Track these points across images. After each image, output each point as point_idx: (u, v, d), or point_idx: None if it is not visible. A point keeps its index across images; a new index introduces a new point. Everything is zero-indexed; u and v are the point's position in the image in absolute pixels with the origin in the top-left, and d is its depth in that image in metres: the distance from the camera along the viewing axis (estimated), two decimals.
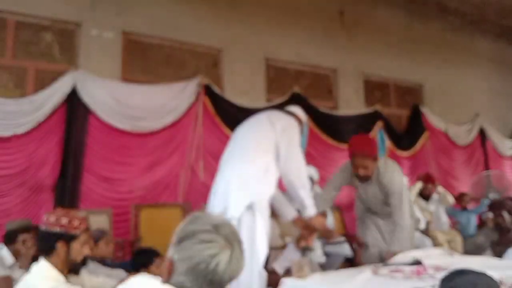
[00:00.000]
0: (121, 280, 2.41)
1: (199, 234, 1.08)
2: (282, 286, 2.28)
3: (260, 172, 2.50)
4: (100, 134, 4.26)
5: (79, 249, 1.97)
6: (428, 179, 5.33)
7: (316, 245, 2.97)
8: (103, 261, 2.94)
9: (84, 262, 2.06)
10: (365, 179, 3.02)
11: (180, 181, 4.58)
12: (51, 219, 1.97)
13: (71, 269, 1.99)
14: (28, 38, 4.21)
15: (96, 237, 3.03)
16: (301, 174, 2.62)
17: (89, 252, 2.05)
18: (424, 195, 5.32)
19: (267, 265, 3.51)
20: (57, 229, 1.94)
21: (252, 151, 2.54)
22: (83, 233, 1.99)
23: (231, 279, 1.08)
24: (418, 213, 5.08)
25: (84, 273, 2.17)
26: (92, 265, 2.68)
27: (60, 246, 1.92)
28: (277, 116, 2.73)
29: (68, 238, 1.94)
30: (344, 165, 3.27)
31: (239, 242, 1.10)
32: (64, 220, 1.96)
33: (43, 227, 1.99)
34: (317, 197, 3.12)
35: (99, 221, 3.84)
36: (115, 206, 4.09)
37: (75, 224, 1.97)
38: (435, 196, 5.45)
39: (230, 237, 1.09)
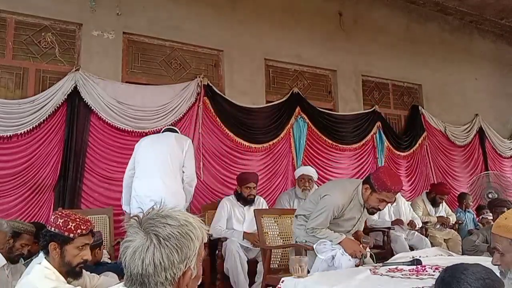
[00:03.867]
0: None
1: (128, 229, 1.10)
2: (282, 286, 2.29)
3: (181, 186, 3.49)
4: (101, 134, 4.28)
5: (73, 252, 1.92)
6: (443, 191, 5.45)
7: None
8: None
9: (82, 268, 2.01)
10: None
11: None
12: (52, 218, 1.96)
13: (69, 273, 1.94)
14: (29, 39, 4.22)
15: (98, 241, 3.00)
16: (194, 183, 3.64)
17: (89, 257, 2.01)
18: (434, 202, 5.43)
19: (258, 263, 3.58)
20: (52, 229, 1.93)
21: (173, 169, 3.45)
22: (79, 237, 1.94)
23: (138, 272, 1.04)
24: (414, 213, 5.14)
25: (84, 273, 2.16)
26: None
27: (52, 247, 1.90)
28: (183, 140, 3.63)
29: (61, 240, 1.91)
30: (342, 203, 2.92)
31: (158, 237, 1.04)
32: (61, 221, 1.94)
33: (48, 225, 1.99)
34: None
35: (100, 221, 3.86)
36: (116, 206, 4.10)
37: (70, 227, 1.93)
38: (443, 206, 5.55)
39: (149, 232, 1.05)
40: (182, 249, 1.05)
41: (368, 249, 2.94)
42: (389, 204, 4.96)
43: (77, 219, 1.99)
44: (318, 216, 2.90)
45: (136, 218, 1.10)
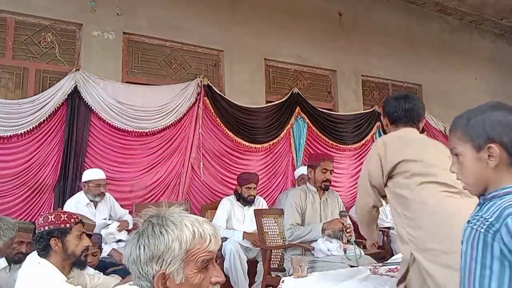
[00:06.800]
0: (122, 279, 2.43)
1: None
2: (283, 286, 2.30)
3: None
4: (101, 134, 4.27)
5: (75, 242, 1.97)
6: None
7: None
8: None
9: (86, 256, 2.07)
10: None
11: (181, 180, 4.60)
12: (40, 221, 1.99)
13: (75, 264, 2.00)
14: (29, 39, 4.22)
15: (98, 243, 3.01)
16: None
17: (89, 243, 2.07)
18: None
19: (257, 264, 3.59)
20: (47, 228, 1.96)
21: None
22: (75, 225, 2.00)
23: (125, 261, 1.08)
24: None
25: (84, 272, 2.18)
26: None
27: (54, 243, 1.93)
28: None
29: (60, 233, 1.95)
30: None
31: (137, 232, 1.08)
32: (52, 217, 1.98)
33: (36, 232, 2.01)
34: None
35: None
36: None
37: (64, 218, 1.98)
38: None
39: (138, 229, 1.09)
40: (149, 246, 1.03)
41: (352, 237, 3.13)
42: (386, 205, 5.01)
43: (66, 212, 2.08)
44: (287, 214, 3.25)
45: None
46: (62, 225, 1.96)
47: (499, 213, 1.01)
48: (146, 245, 1.04)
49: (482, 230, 1.04)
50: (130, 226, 3.80)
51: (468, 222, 1.11)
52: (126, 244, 1.08)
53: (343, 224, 3.06)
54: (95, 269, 2.72)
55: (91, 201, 3.73)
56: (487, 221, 1.03)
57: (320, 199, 3.33)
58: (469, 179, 1.12)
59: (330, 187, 3.38)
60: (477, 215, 1.09)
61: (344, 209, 3.42)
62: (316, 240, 3.06)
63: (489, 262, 1.01)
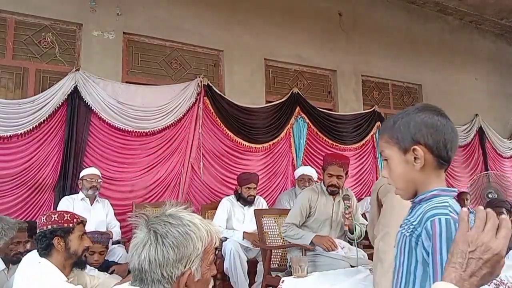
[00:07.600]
0: (122, 278, 2.43)
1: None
2: (283, 286, 2.30)
3: None
4: (101, 134, 4.28)
5: (77, 241, 1.99)
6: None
7: None
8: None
9: (86, 256, 2.09)
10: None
11: (181, 180, 4.60)
12: (43, 220, 2.00)
13: (76, 263, 2.01)
14: (29, 39, 4.22)
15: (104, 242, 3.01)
16: None
17: (90, 243, 2.09)
18: None
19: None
20: (50, 227, 1.97)
21: None
22: (78, 225, 2.02)
23: (135, 267, 1.05)
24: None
25: (84, 273, 2.18)
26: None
27: (57, 242, 1.94)
28: None
29: (63, 232, 1.96)
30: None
31: (156, 234, 1.05)
32: (55, 216, 1.99)
33: (38, 231, 2.01)
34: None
35: None
36: (116, 206, 4.10)
37: (67, 218, 2.00)
38: None
39: (150, 229, 1.06)
40: (179, 247, 1.04)
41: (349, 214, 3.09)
42: None
43: (69, 212, 2.10)
44: (291, 212, 3.25)
45: (145, 216, 1.10)
46: (65, 225, 1.98)
47: (421, 217, 1.00)
48: (176, 246, 1.04)
49: (408, 234, 1.03)
50: (114, 239, 3.72)
51: (400, 226, 1.10)
52: (137, 250, 1.05)
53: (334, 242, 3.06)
54: (99, 267, 2.74)
55: (86, 196, 3.79)
56: (412, 225, 1.03)
57: (334, 200, 3.28)
58: (399, 183, 1.10)
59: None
60: (406, 219, 1.08)
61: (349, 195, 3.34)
62: None
63: (413, 267, 1.01)
